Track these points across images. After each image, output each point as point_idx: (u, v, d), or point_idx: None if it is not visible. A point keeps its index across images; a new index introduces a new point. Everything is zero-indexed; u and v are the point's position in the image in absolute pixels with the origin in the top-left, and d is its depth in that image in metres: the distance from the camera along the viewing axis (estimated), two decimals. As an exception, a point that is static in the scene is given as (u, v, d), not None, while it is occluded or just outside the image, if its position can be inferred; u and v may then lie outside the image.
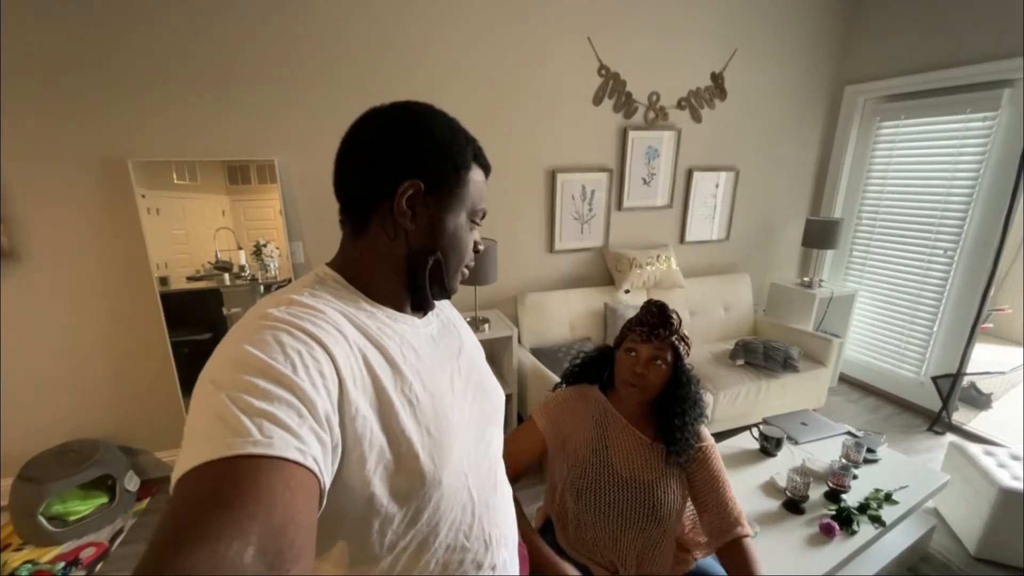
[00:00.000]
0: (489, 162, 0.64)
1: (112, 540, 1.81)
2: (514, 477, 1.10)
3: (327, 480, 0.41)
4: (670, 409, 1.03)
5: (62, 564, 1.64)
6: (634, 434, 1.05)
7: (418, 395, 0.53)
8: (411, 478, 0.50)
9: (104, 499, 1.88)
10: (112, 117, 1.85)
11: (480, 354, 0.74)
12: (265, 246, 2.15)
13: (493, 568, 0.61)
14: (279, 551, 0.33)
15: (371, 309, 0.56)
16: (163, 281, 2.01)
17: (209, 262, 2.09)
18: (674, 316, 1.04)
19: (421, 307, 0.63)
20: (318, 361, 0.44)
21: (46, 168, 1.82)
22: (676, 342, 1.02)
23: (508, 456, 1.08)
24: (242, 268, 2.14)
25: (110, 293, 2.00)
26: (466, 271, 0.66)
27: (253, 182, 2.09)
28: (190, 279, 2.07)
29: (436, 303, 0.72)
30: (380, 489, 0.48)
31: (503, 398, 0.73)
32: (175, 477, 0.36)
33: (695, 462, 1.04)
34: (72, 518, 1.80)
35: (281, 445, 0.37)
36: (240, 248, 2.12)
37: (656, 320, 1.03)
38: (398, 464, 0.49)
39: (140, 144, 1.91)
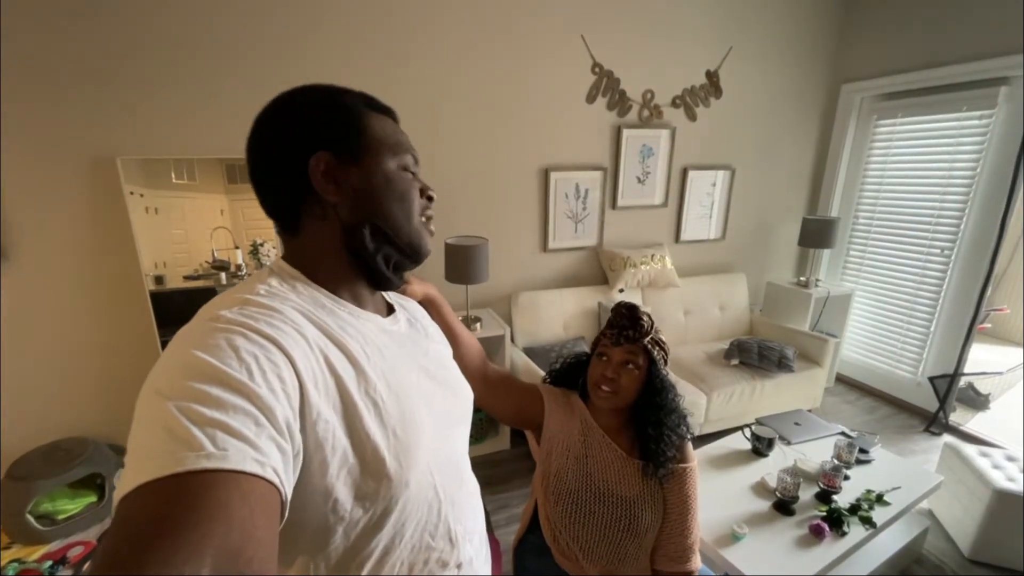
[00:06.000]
0: (388, 104, 0.60)
1: (100, 539, 1.80)
2: (513, 412, 1.09)
3: (288, 491, 0.39)
4: (645, 418, 1.00)
5: (49, 563, 1.63)
6: (611, 446, 1.02)
7: (383, 396, 0.51)
8: (377, 481, 0.49)
9: (93, 498, 1.87)
10: (102, 115, 1.85)
11: (448, 353, 0.73)
12: (262, 245, 2.15)
13: (459, 566, 0.60)
14: (237, 571, 0.31)
15: (331, 305, 0.54)
16: (159, 280, 2.01)
17: (207, 261, 2.09)
18: (645, 318, 1.01)
19: (381, 285, 0.61)
20: (276, 365, 0.41)
21: (36, 166, 1.81)
22: (649, 346, 0.99)
23: (510, 389, 1.07)
24: (239, 267, 2.14)
25: (100, 292, 2.00)
26: (428, 223, 0.62)
27: (252, 180, 2.08)
28: (187, 278, 2.06)
29: (401, 301, 0.71)
30: (344, 494, 0.47)
31: (471, 399, 0.72)
32: (118, 496, 0.33)
33: (673, 478, 1.00)
34: (61, 517, 1.78)
35: (237, 457, 0.35)
36: (237, 247, 2.12)
37: (626, 322, 1.00)
38: (363, 467, 0.48)
39: (131, 142, 1.90)
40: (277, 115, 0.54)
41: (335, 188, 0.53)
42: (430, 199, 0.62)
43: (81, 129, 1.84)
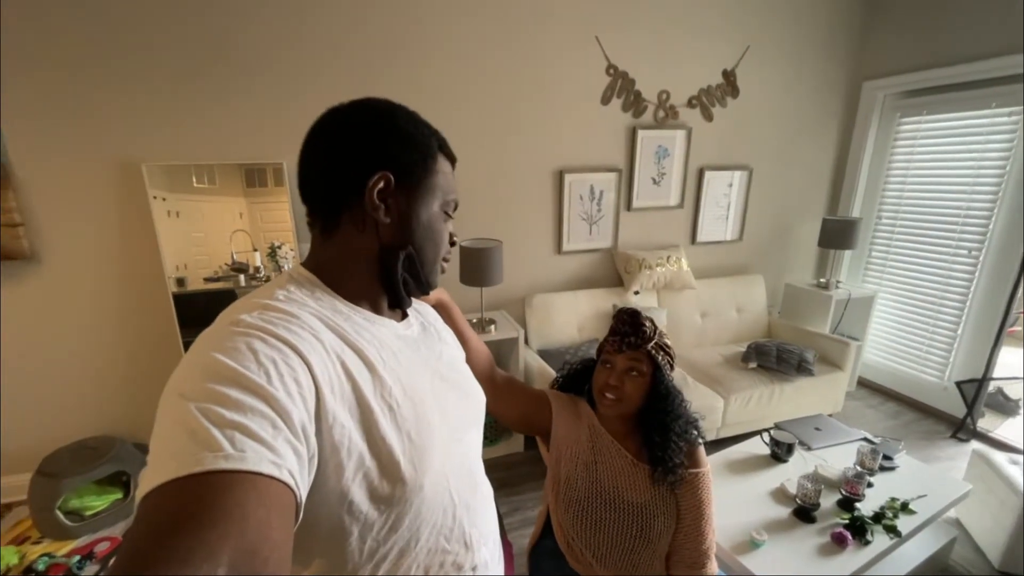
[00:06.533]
0: (454, 153, 0.63)
1: (125, 535, 1.85)
2: (519, 417, 1.09)
3: (303, 493, 0.40)
4: (651, 424, 0.99)
5: (77, 558, 1.68)
6: (620, 452, 1.01)
7: (398, 400, 0.52)
8: (392, 484, 0.49)
9: (119, 495, 1.93)
10: (128, 122, 1.90)
11: (461, 356, 0.74)
12: (280, 248, 2.18)
13: (474, 568, 0.61)
14: (252, 571, 0.32)
15: (347, 311, 0.55)
16: (180, 282, 2.06)
17: (226, 263, 2.13)
18: (647, 324, 0.99)
19: (397, 304, 0.62)
20: (293, 369, 0.42)
21: (65, 173, 1.88)
22: (653, 351, 0.98)
23: (515, 395, 1.07)
24: (257, 269, 2.17)
25: (126, 293, 2.06)
26: (445, 265, 0.65)
27: (269, 184, 2.12)
28: (207, 280, 2.11)
29: (416, 305, 0.72)
30: (359, 497, 0.48)
31: (483, 401, 0.72)
32: (140, 495, 0.34)
33: (685, 484, 0.99)
34: (88, 513, 1.84)
35: (255, 459, 0.35)
36: (255, 250, 2.16)
37: (628, 328, 0.99)
38: (379, 471, 0.48)
39: (155, 148, 1.95)
40: (358, 121, 0.55)
41: (383, 208, 0.55)
42: (453, 244, 0.66)
43: (109, 137, 1.90)
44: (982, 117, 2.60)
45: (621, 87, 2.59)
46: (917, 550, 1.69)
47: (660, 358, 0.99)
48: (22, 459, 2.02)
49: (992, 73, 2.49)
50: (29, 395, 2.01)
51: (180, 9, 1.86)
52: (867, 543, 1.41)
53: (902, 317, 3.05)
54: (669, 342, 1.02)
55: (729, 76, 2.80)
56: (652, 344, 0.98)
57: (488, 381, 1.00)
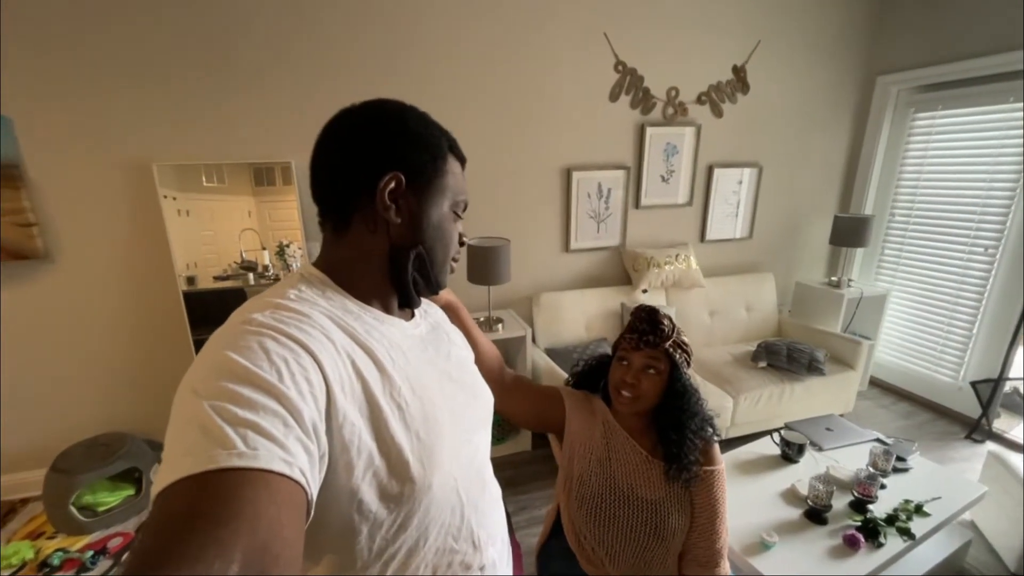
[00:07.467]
0: (464, 154, 0.63)
1: (138, 530, 1.87)
2: (534, 417, 1.09)
3: (314, 491, 0.40)
4: (666, 421, 0.99)
5: (91, 553, 1.71)
6: (635, 448, 1.01)
7: (407, 399, 0.52)
8: (401, 483, 0.50)
9: (131, 491, 1.95)
10: (138, 123, 1.92)
11: (470, 356, 0.73)
12: (288, 246, 2.20)
13: (482, 568, 0.61)
14: (264, 568, 0.32)
15: (357, 311, 0.55)
16: (191, 281, 2.08)
17: (235, 262, 2.15)
18: (665, 322, 0.99)
19: (407, 304, 0.62)
20: (305, 368, 0.43)
21: (77, 173, 1.90)
22: (671, 349, 0.98)
23: (527, 393, 1.07)
24: (266, 268, 2.19)
25: (137, 292, 2.08)
26: (454, 264, 0.65)
27: (278, 183, 2.13)
28: (217, 279, 2.13)
29: (425, 306, 0.72)
30: (369, 495, 0.48)
31: (492, 402, 0.72)
32: (154, 491, 0.35)
33: (700, 482, 0.99)
34: (101, 509, 1.87)
35: (267, 457, 0.36)
36: (264, 248, 2.17)
37: (646, 326, 0.99)
38: (388, 470, 0.49)
39: (165, 148, 1.97)
40: (369, 122, 0.56)
41: (394, 208, 0.55)
42: (462, 244, 0.66)
43: (119, 137, 1.91)
44: (999, 111, 2.55)
45: (629, 84, 2.57)
46: (931, 553, 1.67)
47: (678, 356, 0.99)
48: (37, 455, 2.05)
49: (1009, 67, 2.43)
50: (42, 392, 2.04)
51: (189, 9, 1.87)
52: (880, 546, 1.39)
53: (916, 316, 3.01)
54: (687, 340, 1.02)
55: (739, 72, 2.76)
56: (670, 342, 0.98)
57: (498, 382, 1.00)
